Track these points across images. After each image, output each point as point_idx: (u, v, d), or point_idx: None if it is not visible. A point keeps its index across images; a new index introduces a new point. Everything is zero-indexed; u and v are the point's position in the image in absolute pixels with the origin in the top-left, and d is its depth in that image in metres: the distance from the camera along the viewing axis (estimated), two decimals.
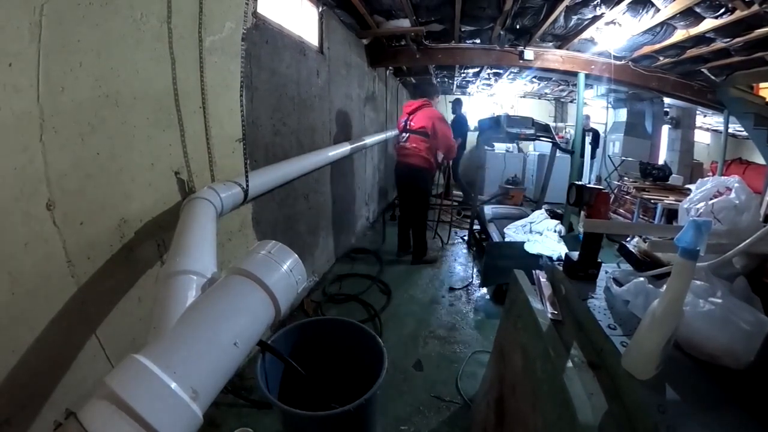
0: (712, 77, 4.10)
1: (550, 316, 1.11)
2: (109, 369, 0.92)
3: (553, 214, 3.85)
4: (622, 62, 4.03)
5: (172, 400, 0.55)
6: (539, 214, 3.17)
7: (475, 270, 3.46)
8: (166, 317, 0.69)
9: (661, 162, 5.74)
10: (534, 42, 3.72)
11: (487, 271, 2.85)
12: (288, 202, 2.41)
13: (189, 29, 1.43)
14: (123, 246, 1.20)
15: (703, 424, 0.66)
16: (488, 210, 3.94)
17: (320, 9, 2.81)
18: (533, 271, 1.41)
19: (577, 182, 1.40)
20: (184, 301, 0.74)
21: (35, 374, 0.96)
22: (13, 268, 0.90)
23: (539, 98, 8.74)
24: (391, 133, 5.07)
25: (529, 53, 3.92)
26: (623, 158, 6.04)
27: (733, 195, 1.08)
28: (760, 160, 4.95)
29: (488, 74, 6.05)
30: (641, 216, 4.57)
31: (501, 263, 2.68)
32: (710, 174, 6.42)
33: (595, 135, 6.34)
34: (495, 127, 3.70)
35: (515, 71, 5.45)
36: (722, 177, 1.18)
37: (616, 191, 5.21)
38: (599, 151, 6.30)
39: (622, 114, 6.87)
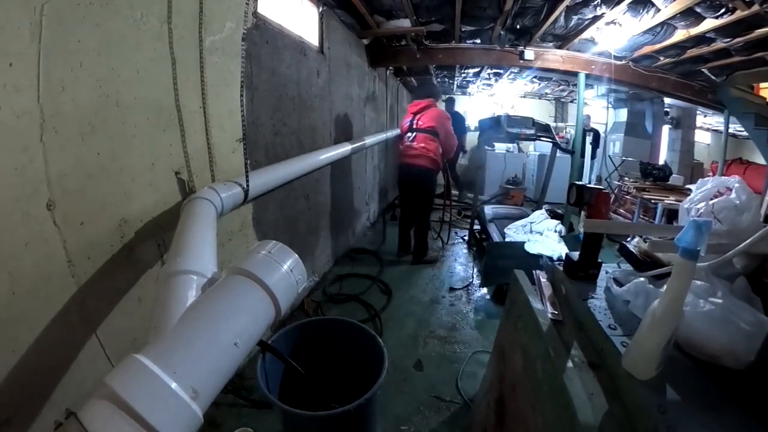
0: (713, 77, 4.10)
1: (550, 316, 1.11)
2: (109, 369, 0.92)
3: (553, 214, 3.85)
4: (623, 62, 4.03)
5: (173, 399, 0.55)
6: (539, 214, 3.17)
7: (475, 270, 3.46)
8: (166, 317, 0.69)
9: (661, 162, 5.74)
10: (534, 42, 3.72)
11: (487, 271, 2.85)
12: (288, 202, 2.41)
13: (189, 29, 1.43)
14: (123, 246, 1.20)
15: (704, 425, 0.65)
16: (488, 210, 3.94)
17: (320, 9, 2.81)
18: (533, 271, 1.41)
19: (577, 182, 1.40)
20: (184, 301, 0.74)
21: (35, 374, 0.96)
22: (14, 268, 0.90)
23: (539, 98, 8.74)
24: (391, 133, 5.07)
25: (529, 53, 3.92)
26: (623, 158, 6.04)
27: (733, 195, 1.08)
28: (761, 160, 4.95)
29: (488, 74, 6.05)
30: (641, 216, 4.56)
31: (501, 263, 2.69)
32: (710, 174, 6.42)
33: (596, 135, 6.34)
34: (495, 127, 3.70)
35: (515, 71, 5.45)
36: (723, 177, 1.18)
37: (616, 191, 5.21)
38: (599, 151, 6.30)
39: (623, 114, 6.87)
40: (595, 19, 2.97)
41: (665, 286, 0.74)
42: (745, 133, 6.29)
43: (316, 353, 1.39)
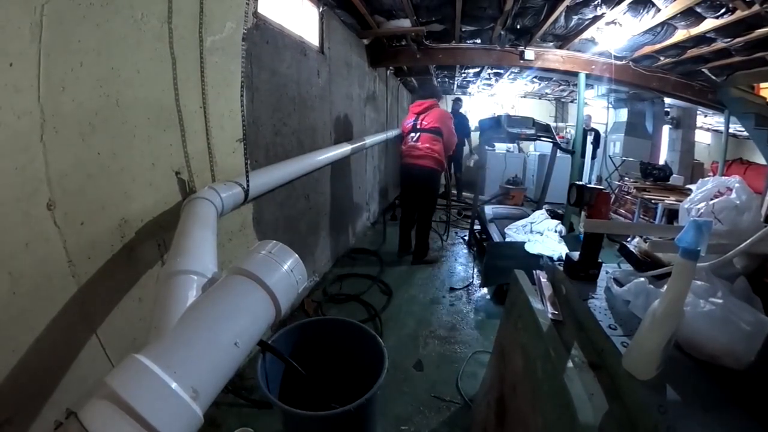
0: (713, 77, 4.09)
1: (550, 316, 1.11)
2: (109, 369, 0.93)
3: (553, 214, 3.85)
4: (623, 62, 4.03)
5: (173, 399, 0.55)
6: (540, 214, 3.17)
7: (475, 270, 3.46)
8: (166, 317, 0.69)
9: (661, 162, 5.74)
10: (534, 42, 3.72)
11: (487, 271, 2.85)
12: (289, 202, 2.41)
13: (190, 29, 1.43)
14: (124, 246, 1.20)
15: (704, 425, 0.65)
16: (489, 210, 3.94)
17: (321, 9, 2.81)
18: (534, 272, 1.41)
19: (577, 182, 1.40)
20: (184, 300, 0.74)
21: (36, 374, 0.96)
22: (14, 268, 0.90)
23: (540, 98, 8.73)
24: (391, 133, 5.07)
25: (529, 53, 3.91)
26: (624, 158, 6.05)
27: (733, 195, 1.08)
28: (761, 161, 4.95)
29: (489, 74, 6.04)
30: (642, 216, 4.56)
31: (501, 263, 2.68)
32: (711, 174, 6.41)
33: (596, 135, 6.34)
34: (496, 127, 3.70)
35: (516, 71, 5.45)
36: (723, 177, 1.18)
37: (616, 191, 5.21)
38: (600, 151, 6.30)
39: (623, 114, 6.87)
40: (596, 19, 2.97)
41: (665, 287, 0.73)
42: (745, 133, 6.30)
43: (317, 353, 1.39)
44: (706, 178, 1.24)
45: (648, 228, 1.95)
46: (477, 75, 6.19)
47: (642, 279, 1.01)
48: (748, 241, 0.87)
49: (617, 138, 6.84)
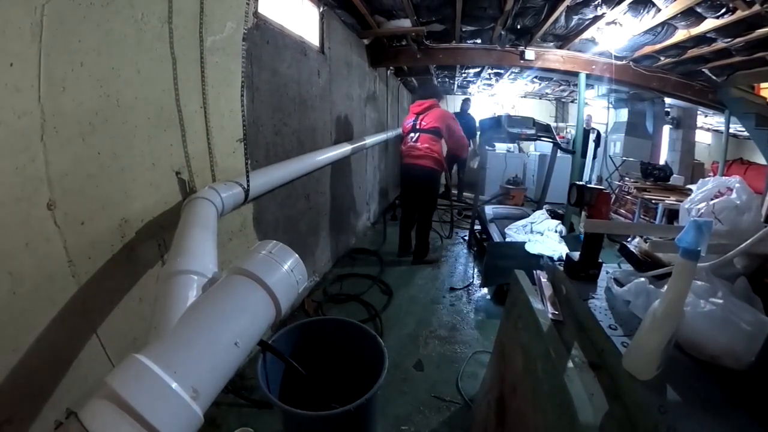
0: (713, 77, 4.09)
1: (550, 316, 1.10)
2: (109, 368, 0.93)
3: (554, 214, 3.85)
4: (623, 62, 4.03)
5: (173, 399, 0.55)
6: (540, 214, 3.17)
7: (475, 270, 3.46)
8: (166, 317, 0.69)
9: (662, 162, 5.74)
10: (535, 42, 3.72)
11: (487, 271, 2.85)
12: (289, 202, 2.42)
13: (190, 29, 1.43)
14: (124, 246, 1.20)
15: (704, 425, 0.65)
16: (489, 210, 3.94)
17: (321, 9, 2.81)
18: (534, 272, 1.41)
19: (578, 182, 1.40)
20: (184, 300, 0.74)
21: (36, 374, 0.96)
22: (14, 268, 0.90)
23: (540, 98, 8.73)
24: (391, 133, 5.06)
25: (530, 53, 3.91)
26: (624, 158, 6.04)
27: (734, 195, 1.08)
28: (762, 161, 4.94)
29: (489, 74, 6.04)
30: (642, 216, 4.56)
31: (502, 263, 2.68)
32: (711, 174, 6.41)
33: (597, 135, 6.34)
34: (496, 127, 3.70)
35: (516, 71, 5.45)
36: (723, 177, 1.18)
37: (617, 191, 5.21)
38: (600, 151, 6.31)
39: (623, 114, 6.86)
40: (596, 19, 2.97)
41: (666, 287, 0.73)
42: (745, 134, 6.30)
43: (317, 353, 1.39)
44: (707, 179, 1.24)
45: (648, 228, 1.95)
46: (477, 75, 6.19)
47: (642, 279, 1.01)
48: (748, 242, 0.87)
49: (617, 138, 6.84)
